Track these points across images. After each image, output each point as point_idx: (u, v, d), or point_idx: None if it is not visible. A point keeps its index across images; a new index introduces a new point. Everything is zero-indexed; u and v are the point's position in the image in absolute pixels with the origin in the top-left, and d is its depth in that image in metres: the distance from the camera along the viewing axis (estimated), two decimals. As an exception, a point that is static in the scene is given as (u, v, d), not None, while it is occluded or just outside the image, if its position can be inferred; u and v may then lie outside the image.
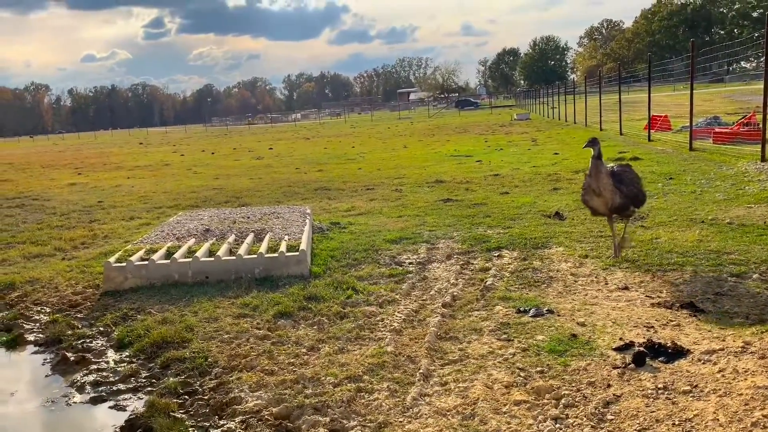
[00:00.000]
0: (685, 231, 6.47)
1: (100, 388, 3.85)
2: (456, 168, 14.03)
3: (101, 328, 4.78)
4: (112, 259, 5.71)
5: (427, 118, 54.92)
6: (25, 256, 7.30)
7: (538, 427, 2.97)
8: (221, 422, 3.27)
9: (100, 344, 4.53)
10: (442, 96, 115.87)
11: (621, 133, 19.77)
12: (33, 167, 22.66)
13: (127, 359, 4.22)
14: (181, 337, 4.33)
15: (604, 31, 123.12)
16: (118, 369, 4.08)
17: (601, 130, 22.05)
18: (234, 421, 3.25)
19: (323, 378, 3.58)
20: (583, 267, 5.49)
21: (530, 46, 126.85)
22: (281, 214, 7.69)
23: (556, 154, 15.54)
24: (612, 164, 5.42)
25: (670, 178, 10.08)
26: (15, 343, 4.78)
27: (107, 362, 4.23)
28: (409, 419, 3.11)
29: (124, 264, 5.55)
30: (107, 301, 5.32)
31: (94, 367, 4.16)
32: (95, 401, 3.71)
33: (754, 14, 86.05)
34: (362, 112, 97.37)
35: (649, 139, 17.06)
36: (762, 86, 11.51)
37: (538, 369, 3.54)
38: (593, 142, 5.16)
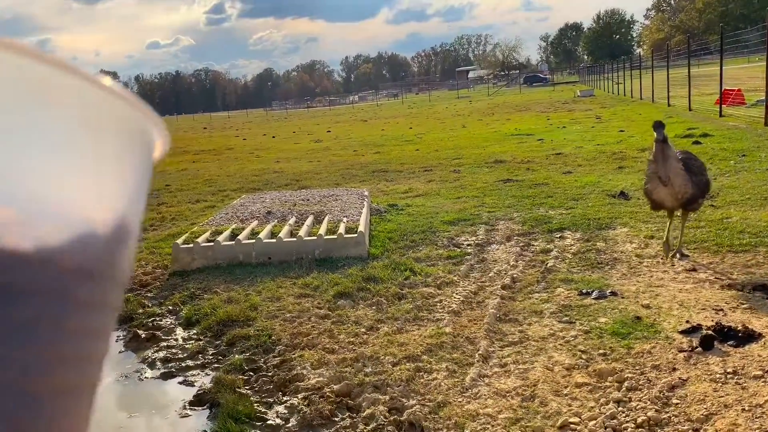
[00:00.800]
0: (759, 210, 6.17)
1: (169, 364, 4.02)
2: (516, 147, 13.80)
3: (170, 307, 4.98)
4: (179, 241, 5.93)
5: (487, 97, 54.09)
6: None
7: (599, 409, 2.93)
8: (284, 398, 3.37)
9: (169, 322, 4.73)
10: (503, 73, 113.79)
11: (690, 109, 18.94)
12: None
13: (195, 337, 4.39)
14: (246, 316, 4.47)
15: (672, 2, 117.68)
16: (186, 346, 4.25)
17: (668, 105, 21.18)
18: (297, 397, 3.35)
19: (382, 357, 3.63)
20: (648, 248, 5.33)
21: (594, 20, 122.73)
22: (340, 196, 7.78)
23: (621, 131, 15.05)
24: (676, 150, 4.75)
25: (743, 155, 9.61)
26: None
27: (176, 339, 4.41)
28: (468, 399, 3.12)
29: (191, 245, 5.76)
30: (175, 281, 5.53)
31: (164, 344, 4.35)
32: (165, 376, 3.89)
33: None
34: (420, 92, 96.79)
35: (721, 115, 16.28)
36: None
37: (601, 351, 3.48)
38: (658, 126, 4.55)
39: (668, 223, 4.94)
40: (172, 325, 4.67)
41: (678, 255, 4.94)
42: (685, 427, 2.73)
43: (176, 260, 5.75)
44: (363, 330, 4.08)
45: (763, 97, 14.57)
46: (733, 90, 19.05)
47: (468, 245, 5.92)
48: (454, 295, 4.58)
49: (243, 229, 6.23)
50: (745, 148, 10.26)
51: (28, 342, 0.23)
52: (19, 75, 0.22)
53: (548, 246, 5.66)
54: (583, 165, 10.38)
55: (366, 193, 7.83)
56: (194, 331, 4.47)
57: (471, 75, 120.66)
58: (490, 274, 5.00)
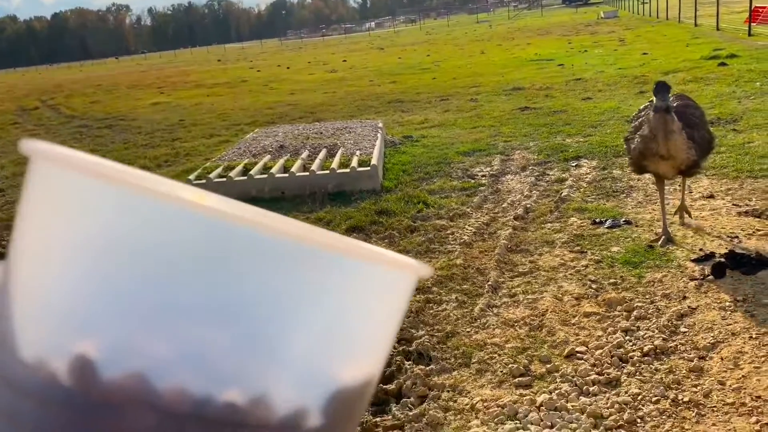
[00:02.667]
0: (784, 134, 5.98)
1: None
2: (536, 73, 13.44)
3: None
4: (192, 177, 5.96)
5: (507, 21, 52.36)
6: (116, 175, 7.72)
7: (607, 339, 2.95)
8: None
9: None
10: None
11: (718, 29, 18.15)
12: (119, 88, 23.58)
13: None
14: (259, 251, 4.52)
15: None
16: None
17: (695, 25, 20.29)
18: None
19: (393, 290, 3.67)
20: (665, 175, 5.23)
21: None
22: (353, 128, 7.70)
23: (644, 54, 14.53)
24: (671, 96, 3.65)
25: (772, 76, 9.25)
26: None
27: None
28: (477, 329, 3.16)
29: (204, 181, 5.78)
30: (191, 216, 5.59)
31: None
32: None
33: None
34: (438, 17, 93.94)
35: (750, 34, 15.59)
36: None
37: (611, 281, 3.48)
38: (660, 89, 3.50)
39: (661, 193, 4.01)
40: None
41: (686, 214, 4.22)
42: (691, 356, 2.75)
43: (191, 196, 5.79)
44: (374, 263, 4.11)
45: (797, 14, 13.87)
46: (764, 7, 18.16)
47: (482, 176, 5.87)
48: (467, 226, 4.57)
49: (255, 164, 6.23)
50: (773, 69, 9.85)
51: None
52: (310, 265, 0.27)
53: (563, 175, 5.59)
54: (604, 90, 10.10)
55: (380, 125, 7.74)
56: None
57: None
58: (503, 205, 4.97)
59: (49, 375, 0.26)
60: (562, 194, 5.03)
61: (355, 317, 0.30)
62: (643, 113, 3.94)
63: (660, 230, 3.98)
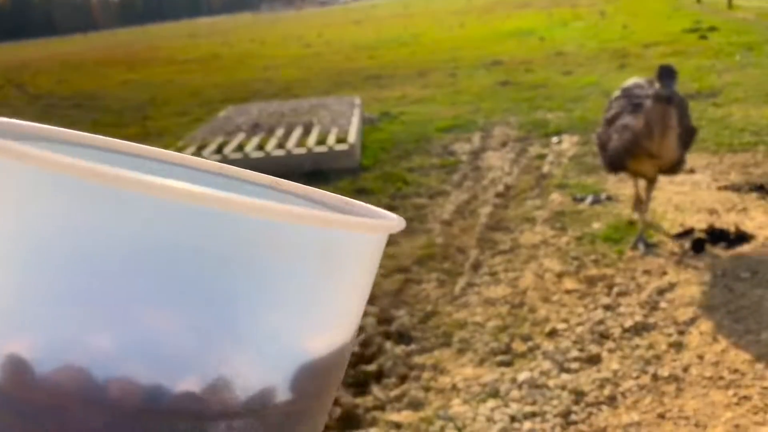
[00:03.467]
0: (761, 108, 5.99)
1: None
2: (516, 47, 13.33)
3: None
4: (166, 157, 5.81)
5: (484, -5, 51.93)
6: (87, 155, 7.52)
7: (588, 315, 2.93)
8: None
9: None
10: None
11: (698, 1, 18.17)
12: (86, 65, 22.98)
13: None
14: (235, 232, 4.43)
15: None
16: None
17: (674, -3, 20.30)
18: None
19: (372, 270, 3.61)
20: (645, 150, 5.21)
21: None
22: (330, 105, 7.56)
23: (624, 27, 14.49)
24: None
25: (750, 49, 9.27)
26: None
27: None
28: (458, 308, 3.12)
29: (177, 161, 5.64)
30: (165, 197, 5.46)
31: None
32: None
33: None
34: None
35: (730, 6, 15.62)
36: None
37: (592, 258, 3.45)
38: (666, 74, 2.90)
39: (638, 190, 3.67)
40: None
41: (641, 244, 3.48)
42: (671, 330, 2.74)
43: (164, 176, 5.66)
44: (353, 242, 4.05)
45: (773, -14, 13.93)
46: (742, -21, 18.18)
47: (462, 153, 5.80)
48: (447, 204, 4.51)
49: (229, 142, 6.09)
50: (752, 42, 9.88)
51: None
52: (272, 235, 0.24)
53: (544, 151, 5.54)
54: (584, 64, 10.05)
55: (357, 102, 7.61)
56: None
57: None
58: (483, 183, 4.92)
59: None
60: (543, 170, 4.99)
61: (322, 285, 0.27)
62: (615, 104, 3.37)
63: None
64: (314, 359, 0.27)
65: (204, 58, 20.66)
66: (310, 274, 0.26)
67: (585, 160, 5.13)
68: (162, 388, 0.23)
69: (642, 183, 3.54)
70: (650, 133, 2.96)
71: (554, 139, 5.84)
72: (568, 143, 5.69)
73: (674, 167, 3.28)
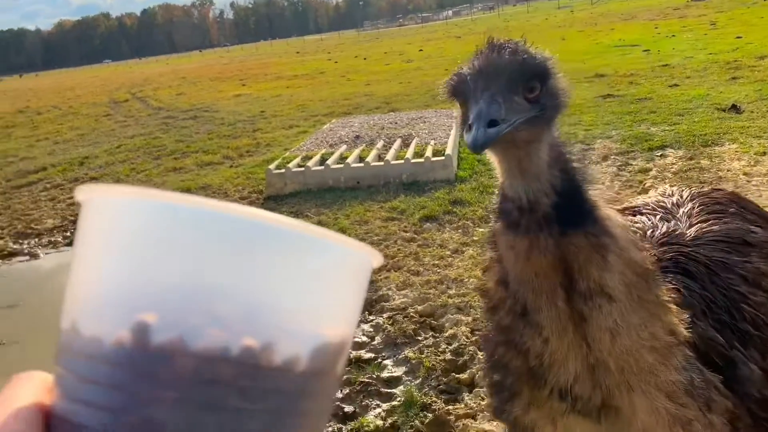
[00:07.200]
0: None
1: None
2: (619, 60, 12.94)
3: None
4: (272, 167, 6.14)
5: (590, 6, 50.58)
6: (198, 164, 8.07)
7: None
8: (370, 317, 3.50)
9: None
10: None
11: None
12: (203, 80, 24.49)
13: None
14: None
15: None
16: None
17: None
18: (382, 316, 3.47)
19: (466, 280, 3.66)
20: (758, 165, 4.94)
21: None
22: (428, 118, 7.69)
23: (738, 38, 13.70)
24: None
25: None
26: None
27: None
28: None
29: (283, 171, 5.94)
30: (270, 205, 5.77)
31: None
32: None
33: None
34: (517, 4, 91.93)
35: None
36: None
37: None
38: None
39: None
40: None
41: None
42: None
43: (270, 185, 5.98)
44: (448, 253, 4.12)
45: None
46: None
47: (560, 166, 5.72)
48: (543, 217, 4.49)
49: (332, 153, 6.34)
50: None
51: (278, 426, 0.38)
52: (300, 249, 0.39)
53: (647, 165, 5.38)
54: (692, 77, 9.61)
55: (455, 114, 7.68)
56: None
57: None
58: (581, 196, 4.84)
59: (116, 342, 0.36)
60: (646, 185, 4.85)
61: (334, 289, 0.41)
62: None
63: None
64: (326, 342, 0.39)
65: (310, 74, 21.47)
66: (326, 278, 0.40)
67: (690, 175, 4.94)
68: (232, 344, 0.36)
69: None
70: None
71: (658, 153, 5.64)
72: (672, 157, 5.49)
73: None
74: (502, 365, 1.27)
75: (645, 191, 4.70)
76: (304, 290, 0.38)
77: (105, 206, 0.39)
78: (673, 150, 5.71)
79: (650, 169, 5.24)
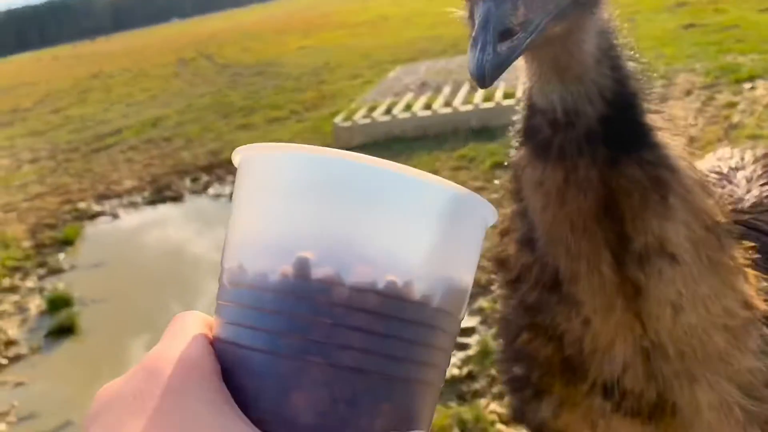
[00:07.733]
0: None
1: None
2: (702, -16, 12.01)
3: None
4: (339, 120, 6.12)
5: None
6: (267, 120, 8.16)
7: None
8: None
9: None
10: None
11: None
12: (266, 34, 24.55)
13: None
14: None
15: None
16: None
17: None
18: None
19: (541, 228, 3.57)
20: None
21: None
22: (497, 59, 7.43)
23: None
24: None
25: None
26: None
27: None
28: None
29: (350, 124, 5.92)
30: (339, 157, 5.79)
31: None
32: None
33: None
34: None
35: None
36: None
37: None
38: None
39: None
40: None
41: None
42: None
43: (337, 138, 5.98)
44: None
45: None
46: None
47: (638, 104, 5.43)
48: (621, 160, 4.29)
49: (397, 103, 6.25)
50: None
51: (412, 353, 0.43)
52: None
53: (735, 99, 5.02)
54: (787, -2, 8.81)
55: (524, 54, 7.39)
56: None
57: None
58: (662, 135, 4.59)
59: (281, 275, 0.41)
60: (734, 120, 4.54)
61: (463, 238, 0.45)
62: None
63: None
64: (454, 286, 0.44)
65: (373, 20, 21.12)
66: (465, 233, 0.45)
67: (785, 108, 4.58)
68: (379, 278, 0.41)
69: None
70: None
71: (746, 86, 5.25)
72: (763, 89, 5.09)
73: None
74: (525, 355, 1.00)
75: (733, 127, 4.40)
76: (439, 238, 0.43)
77: (266, 162, 0.45)
78: (763, 81, 5.30)
79: (738, 103, 4.89)
